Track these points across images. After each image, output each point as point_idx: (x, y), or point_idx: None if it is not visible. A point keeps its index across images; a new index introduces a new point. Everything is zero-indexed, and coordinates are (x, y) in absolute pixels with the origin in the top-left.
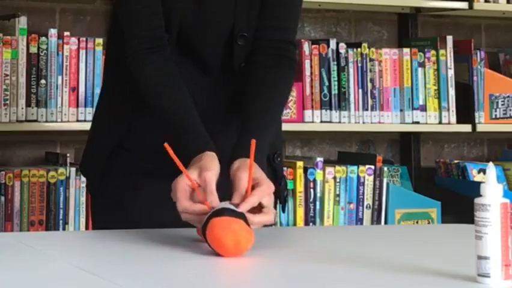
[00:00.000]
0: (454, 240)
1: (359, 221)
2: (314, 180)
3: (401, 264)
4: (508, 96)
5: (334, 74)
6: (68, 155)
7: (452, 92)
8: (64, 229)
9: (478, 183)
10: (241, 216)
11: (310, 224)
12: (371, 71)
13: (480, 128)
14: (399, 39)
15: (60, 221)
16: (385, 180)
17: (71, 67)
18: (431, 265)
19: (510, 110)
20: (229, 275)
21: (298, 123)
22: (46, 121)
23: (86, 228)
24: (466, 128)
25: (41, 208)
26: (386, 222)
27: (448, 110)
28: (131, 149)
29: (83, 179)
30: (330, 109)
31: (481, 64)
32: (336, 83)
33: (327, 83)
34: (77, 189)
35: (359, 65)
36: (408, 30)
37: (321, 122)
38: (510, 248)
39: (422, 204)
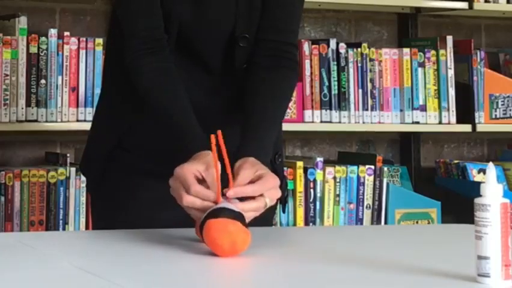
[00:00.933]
0: (454, 240)
1: (359, 221)
2: (314, 180)
3: (401, 264)
4: (508, 96)
5: (334, 74)
6: (68, 155)
7: (452, 92)
8: (63, 229)
9: (478, 183)
10: (238, 216)
11: (310, 224)
12: (371, 71)
13: (480, 128)
14: (399, 39)
15: (60, 221)
16: (385, 180)
17: (71, 67)
18: (431, 265)
19: (510, 110)
20: (229, 275)
21: (298, 123)
22: (46, 121)
23: (86, 228)
24: (466, 128)
25: (41, 208)
26: (386, 222)
27: (448, 110)
28: (131, 149)
29: (83, 179)
30: (330, 109)
31: (481, 64)
32: (336, 83)
33: (327, 83)
34: (77, 189)
35: (359, 65)
36: (408, 30)
37: (321, 122)
38: (510, 248)
39: (422, 204)
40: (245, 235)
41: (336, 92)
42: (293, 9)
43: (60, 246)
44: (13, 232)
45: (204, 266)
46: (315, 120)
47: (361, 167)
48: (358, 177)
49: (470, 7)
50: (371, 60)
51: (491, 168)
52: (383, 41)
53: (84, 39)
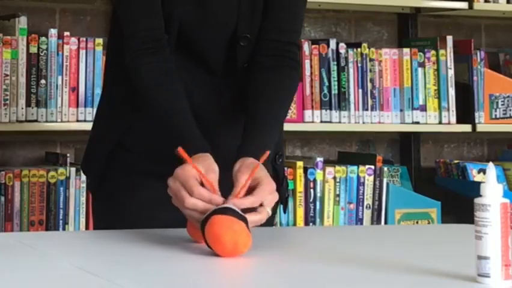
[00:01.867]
0: (454, 240)
1: (359, 221)
2: (314, 180)
3: (401, 264)
4: (508, 96)
5: (334, 74)
6: (68, 155)
7: (452, 92)
8: (63, 229)
9: (478, 183)
10: (243, 219)
11: (310, 224)
12: (371, 71)
13: (480, 128)
14: (399, 39)
15: (60, 221)
16: (385, 180)
17: (71, 67)
18: (431, 265)
19: (510, 110)
20: (229, 275)
21: (298, 123)
22: (46, 121)
23: (86, 228)
24: (466, 128)
25: (41, 208)
26: (386, 222)
27: (448, 110)
28: (132, 149)
29: (83, 179)
30: (330, 109)
31: (481, 64)
32: (336, 83)
33: (327, 83)
34: (77, 189)
35: (359, 65)
36: (408, 30)
37: (321, 122)
38: (510, 248)
39: (422, 204)
40: (247, 238)
41: (336, 92)
42: (296, 10)
43: (61, 246)
44: (13, 232)
45: (204, 266)
46: (315, 120)
47: (361, 167)
48: (358, 177)
49: (470, 7)
50: (371, 60)
51: (491, 168)
52: (383, 41)
53: (84, 39)
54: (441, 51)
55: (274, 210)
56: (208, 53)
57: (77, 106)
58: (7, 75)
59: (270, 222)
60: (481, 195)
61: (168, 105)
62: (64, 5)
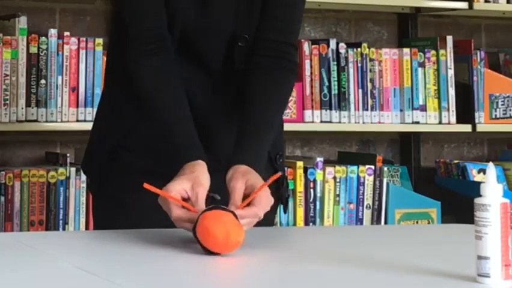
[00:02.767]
0: (454, 240)
1: (359, 221)
2: (314, 180)
3: (401, 264)
4: (508, 96)
5: (334, 74)
6: (68, 155)
7: (452, 92)
8: (63, 229)
9: (478, 183)
10: (232, 212)
11: (310, 224)
12: (371, 71)
13: (480, 128)
14: (399, 39)
15: (60, 221)
16: (385, 180)
17: (71, 67)
18: (431, 265)
19: (510, 110)
20: (228, 275)
21: (298, 123)
22: (46, 121)
23: (86, 228)
24: (466, 128)
25: (41, 208)
26: (386, 222)
27: (448, 110)
28: (132, 149)
29: (83, 179)
30: (330, 109)
31: (481, 64)
32: (336, 83)
33: (327, 83)
34: (77, 189)
35: (359, 65)
36: (408, 30)
37: (321, 122)
38: (510, 248)
39: (422, 204)
40: (238, 228)
41: (336, 92)
42: (294, 9)
43: (60, 246)
44: (13, 232)
45: (204, 266)
46: (315, 120)
47: (361, 167)
48: (358, 177)
49: (470, 7)
50: (371, 60)
51: (491, 168)
52: (383, 41)
53: (84, 39)
54: (441, 51)
55: (274, 210)
56: (207, 53)
57: (77, 106)
58: (7, 75)
59: (270, 222)
60: (481, 195)
61: (167, 108)
62: (63, 5)
